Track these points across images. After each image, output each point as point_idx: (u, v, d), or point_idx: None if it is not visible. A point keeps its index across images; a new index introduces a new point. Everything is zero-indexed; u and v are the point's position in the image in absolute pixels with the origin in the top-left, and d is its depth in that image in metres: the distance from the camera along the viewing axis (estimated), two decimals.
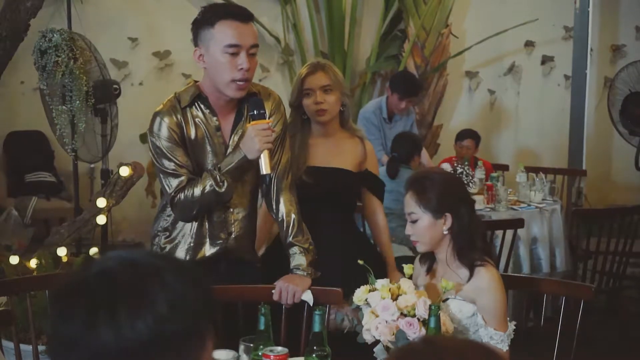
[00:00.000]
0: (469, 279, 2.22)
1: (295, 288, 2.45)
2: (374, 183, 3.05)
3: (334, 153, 2.96)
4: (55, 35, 3.98)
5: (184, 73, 6.30)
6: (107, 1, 6.24)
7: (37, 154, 6.04)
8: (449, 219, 2.25)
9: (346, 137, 3.01)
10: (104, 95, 4.25)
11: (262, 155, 2.40)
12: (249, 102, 2.48)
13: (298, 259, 2.54)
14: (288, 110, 2.83)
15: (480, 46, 6.64)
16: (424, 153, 5.18)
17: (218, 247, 2.55)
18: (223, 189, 2.42)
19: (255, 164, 2.45)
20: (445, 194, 2.27)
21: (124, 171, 4.01)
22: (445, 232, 2.25)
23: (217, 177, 2.41)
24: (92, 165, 5.80)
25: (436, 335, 1.13)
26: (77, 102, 4.01)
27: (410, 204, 2.28)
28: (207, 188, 2.41)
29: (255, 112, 2.44)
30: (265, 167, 2.42)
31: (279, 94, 2.68)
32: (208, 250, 2.54)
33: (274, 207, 2.60)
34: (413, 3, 6.51)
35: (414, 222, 2.27)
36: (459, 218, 2.25)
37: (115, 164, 4.47)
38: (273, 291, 2.47)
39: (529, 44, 7.19)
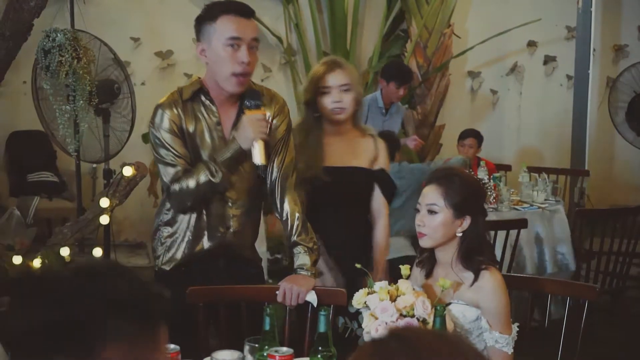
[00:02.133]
0: (473, 283, 2.21)
1: (299, 289, 2.45)
2: (385, 183, 3.02)
3: (349, 152, 2.93)
4: (59, 35, 3.97)
5: (186, 73, 6.30)
6: (110, 1, 6.24)
7: (39, 153, 6.04)
8: (466, 222, 2.23)
9: (358, 135, 2.97)
10: (108, 95, 4.26)
11: (256, 145, 2.43)
12: (246, 93, 2.51)
13: (302, 258, 2.54)
14: (292, 111, 2.81)
15: (482, 46, 6.64)
16: None
17: (216, 241, 2.56)
18: (217, 179, 2.44)
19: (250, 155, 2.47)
20: (471, 196, 2.25)
21: (127, 171, 4.01)
22: (459, 234, 2.23)
23: (212, 167, 2.44)
24: (94, 165, 5.79)
25: (409, 330, 1.09)
26: (81, 101, 4.01)
27: (434, 196, 2.23)
28: (202, 178, 2.44)
29: (251, 102, 2.47)
30: (259, 157, 2.44)
31: (282, 94, 2.69)
32: (206, 243, 2.56)
33: (279, 206, 2.61)
34: (415, 3, 6.51)
35: (431, 213, 2.23)
36: (476, 223, 2.24)
37: (117, 163, 4.47)
38: (277, 292, 2.46)
39: (532, 44, 7.19)
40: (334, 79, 2.85)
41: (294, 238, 2.57)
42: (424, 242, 2.27)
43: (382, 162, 3.00)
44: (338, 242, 2.62)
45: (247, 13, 2.48)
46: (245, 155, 2.47)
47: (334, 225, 2.65)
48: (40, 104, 4.31)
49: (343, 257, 2.59)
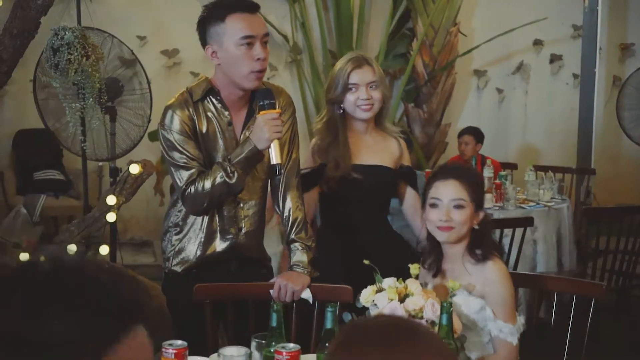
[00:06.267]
0: (478, 271, 2.23)
1: (294, 287, 2.43)
2: (412, 177, 3.00)
3: (374, 150, 2.90)
4: (67, 33, 3.98)
5: (192, 71, 6.30)
6: None
7: (46, 152, 6.05)
8: (481, 215, 2.29)
9: (382, 135, 2.94)
10: (115, 93, 4.28)
11: (272, 145, 2.39)
12: (258, 93, 2.47)
13: (299, 255, 2.53)
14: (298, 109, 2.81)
15: (488, 45, 6.63)
16: None
17: (228, 242, 2.54)
18: (234, 180, 2.40)
19: (265, 156, 2.45)
20: (482, 190, 2.36)
21: (134, 169, 4.02)
22: (477, 227, 2.28)
23: (228, 168, 2.40)
24: (100, 164, 5.81)
25: (414, 329, 1.03)
26: (90, 99, 4.02)
27: (460, 191, 2.26)
28: (218, 179, 2.40)
29: (265, 102, 2.42)
30: (275, 157, 2.39)
31: (288, 93, 2.67)
32: (219, 245, 2.53)
33: (281, 203, 2.59)
34: (421, 1, 6.51)
35: (458, 208, 2.25)
36: (485, 215, 2.32)
37: (123, 162, 4.48)
38: (271, 290, 2.45)
39: (538, 42, 7.17)
40: (361, 76, 2.81)
41: (293, 235, 2.55)
42: (450, 236, 2.27)
43: (407, 161, 3.00)
44: (361, 239, 2.62)
45: (254, 8, 2.44)
46: (261, 155, 2.44)
47: (357, 222, 2.66)
48: (39, 103, 4.31)
49: (366, 255, 2.58)
